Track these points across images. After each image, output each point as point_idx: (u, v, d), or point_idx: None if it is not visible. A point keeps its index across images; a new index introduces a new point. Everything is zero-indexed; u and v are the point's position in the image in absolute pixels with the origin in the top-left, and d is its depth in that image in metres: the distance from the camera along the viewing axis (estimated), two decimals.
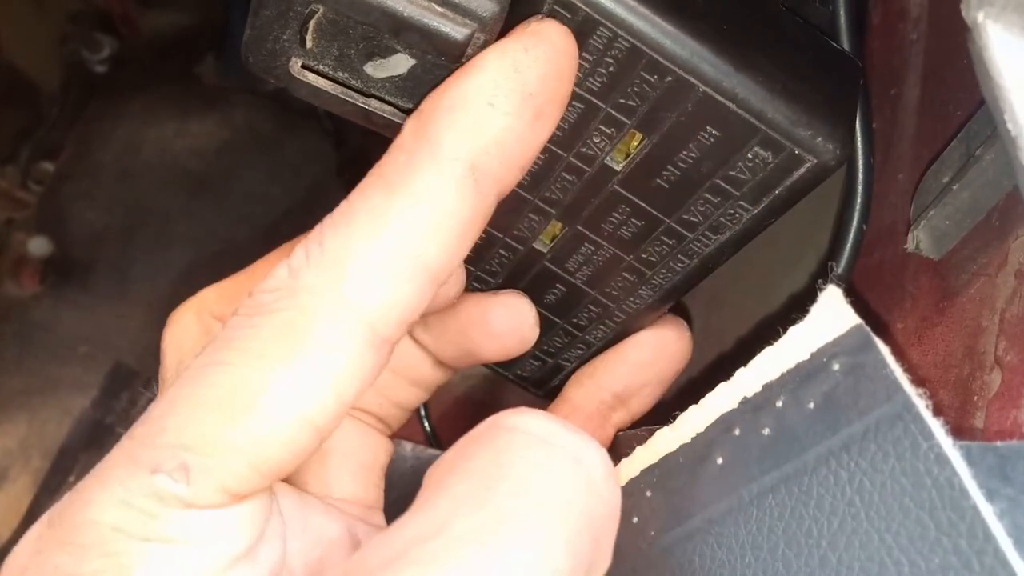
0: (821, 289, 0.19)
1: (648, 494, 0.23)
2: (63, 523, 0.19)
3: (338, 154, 0.68)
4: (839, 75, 0.24)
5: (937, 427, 0.17)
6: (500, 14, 0.21)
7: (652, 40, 0.21)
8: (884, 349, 0.18)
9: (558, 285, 0.28)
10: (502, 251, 0.28)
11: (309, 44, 0.22)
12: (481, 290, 0.29)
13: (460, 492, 0.18)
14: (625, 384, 0.29)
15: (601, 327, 0.29)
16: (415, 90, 0.22)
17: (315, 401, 0.19)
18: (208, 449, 0.19)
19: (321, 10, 0.21)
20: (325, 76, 0.22)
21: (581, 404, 0.30)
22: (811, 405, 0.19)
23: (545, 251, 0.27)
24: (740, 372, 0.21)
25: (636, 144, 0.23)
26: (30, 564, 0.19)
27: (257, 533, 0.21)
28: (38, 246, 0.66)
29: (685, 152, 0.23)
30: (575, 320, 0.29)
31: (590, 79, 0.22)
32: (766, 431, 0.20)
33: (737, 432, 0.21)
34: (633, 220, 0.25)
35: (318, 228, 0.20)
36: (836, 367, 0.19)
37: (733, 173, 0.23)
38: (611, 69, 0.22)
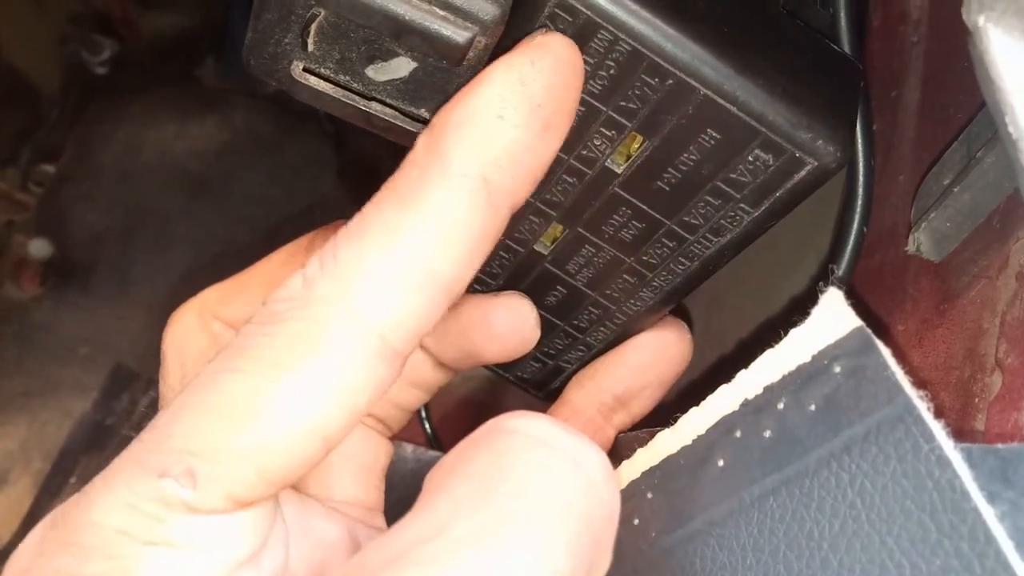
0: (822, 291, 0.19)
1: (649, 496, 0.23)
2: (66, 524, 0.19)
3: (338, 157, 0.68)
4: (840, 78, 0.24)
5: (938, 429, 0.17)
6: (501, 17, 0.21)
7: (653, 43, 0.21)
8: (885, 351, 0.18)
9: (559, 287, 0.28)
10: (503, 253, 0.28)
11: (310, 47, 0.22)
12: (482, 292, 0.29)
13: (460, 494, 0.18)
14: (626, 386, 0.29)
15: (602, 329, 0.29)
16: (416, 93, 0.22)
17: (324, 411, 0.19)
18: (215, 456, 0.19)
19: (322, 13, 0.21)
20: (326, 79, 0.22)
21: (582, 406, 0.30)
22: (812, 407, 0.19)
23: (546, 253, 0.27)
24: (741, 374, 0.21)
25: (637, 147, 0.23)
26: (32, 565, 0.19)
27: (261, 540, 0.21)
28: (38, 248, 0.66)
29: (686, 155, 0.23)
30: (576, 322, 0.29)
31: (591, 82, 0.22)
32: (767, 433, 0.20)
33: (738, 434, 0.21)
34: (634, 222, 0.25)
35: (332, 240, 0.20)
36: (837, 369, 0.19)
37: (734, 176, 0.23)
38: (612, 72, 0.22)
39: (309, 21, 0.21)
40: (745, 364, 0.21)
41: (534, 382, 0.32)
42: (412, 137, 0.23)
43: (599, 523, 0.19)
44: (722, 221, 0.24)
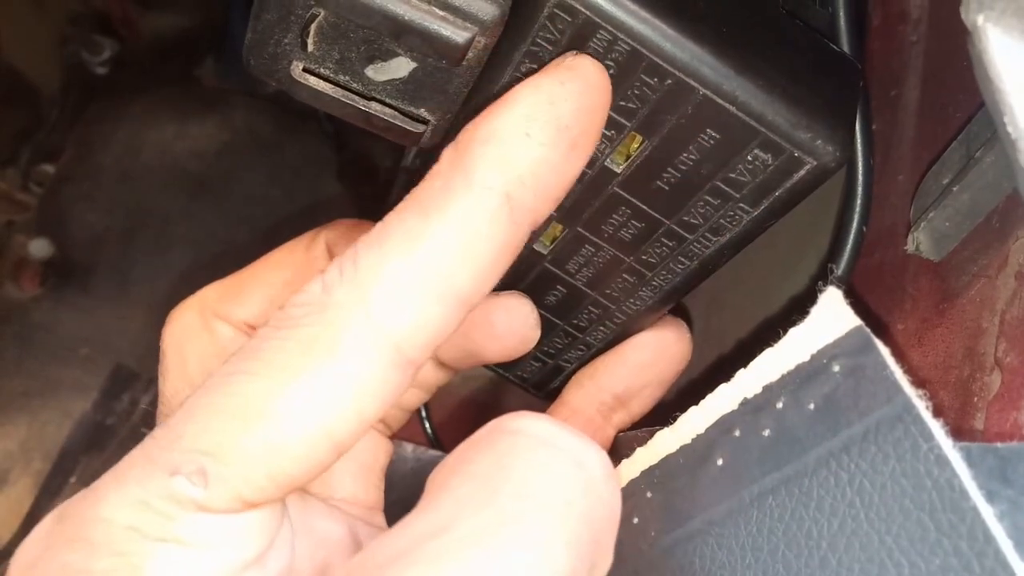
0: (821, 291, 0.19)
1: (649, 495, 0.23)
2: (75, 519, 0.20)
3: (338, 157, 0.68)
4: (839, 78, 0.24)
5: (937, 428, 0.17)
6: (501, 17, 0.21)
7: (652, 43, 0.21)
8: (884, 351, 0.18)
9: (559, 286, 0.28)
10: None
11: (310, 47, 0.22)
12: None
13: (464, 493, 0.19)
14: (625, 385, 0.29)
15: (601, 328, 0.29)
16: (416, 93, 0.22)
17: (336, 416, 0.20)
18: (227, 456, 0.19)
19: (322, 14, 0.21)
20: (326, 79, 0.22)
21: (581, 406, 0.30)
22: (811, 406, 0.19)
23: (546, 253, 0.27)
24: (740, 373, 0.21)
25: (636, 146, 0.23)
26: (40, 559, 0.20)
27: (268, 541, 0.21)
28: (38, 248, 0.66)
29: (685, 154, 0.23)
30: (576, 321, 0.29)
31: None
32: (766, 432, 0.20)
33: (737, 433, 0.21)
34: (633, 222, 0.25)
35: (353, 246, 0.21)
36: (836, 368, 0.19)
37: (733, 175, 0.23)
38: (611, 72, 0.22)
39: (309, 21, 0.21)
40: (744, 363, 0.21)
41: (534, 381, 0.32)
42: (412, 137, 0.23)
43: (600, 523, 0.19)
44: (721, 220, 0.24)
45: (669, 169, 0.24)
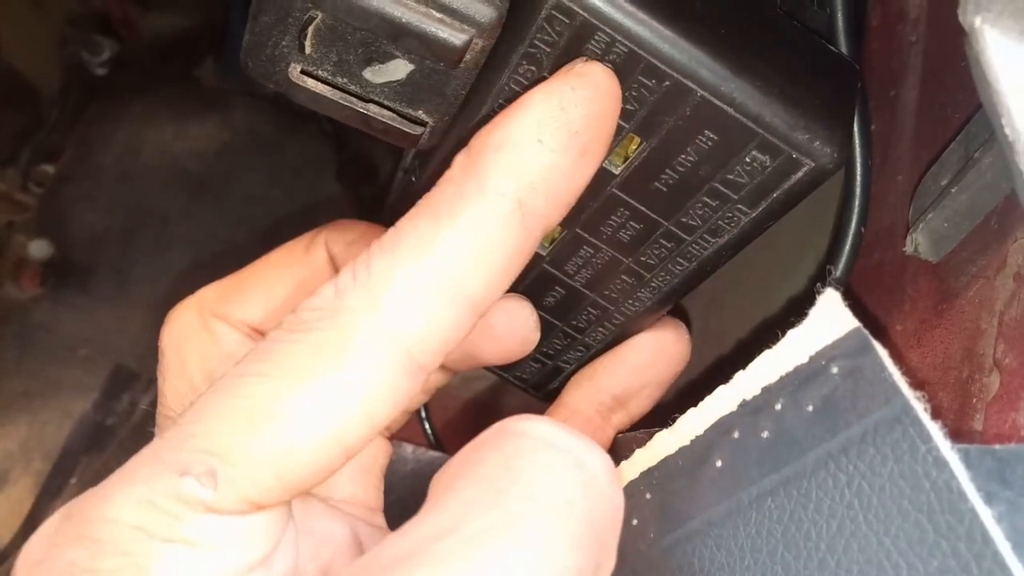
0: (820, 292, 0.19)
1: (647, 496, 0.23)
2: (82, 518, 0.20)
3: (338, 157, 0.68)
4: (837, 79, 0.24)
5: (935, 430, 0.17)
6: (498, 19, 0.21)
7: (649, 45, 0.21)
8: (882, 352, 0.18)
9: (557, 288, 0.28)
10: None
11: (308, 50, 0.22)
12: None
13: (470, 495, 0.19)
14: (624, 386, 0.29)
15: (600, 329, 0.29)
16: (414, 95, 0.22)
17: (345, 421, 0.20)
18: (236, 458, 0.19)
19: (320, 16, 0.21)
20: (324, 81, 0.22)
21: (580, 406, 0.30)
22: (810, 408, 0.19)
23: (544, 254, 0.27)
24: (739, 375, 0.21)
25: (634, 148, 0.23)
26: (46, 557, 0.20)
27: (274, 543, 0.21)
28: (38, 248, 0.66)
29: (683, 156, 0.23)
30: (575, 322, 0.29)
31: None
32: (765, 434, 0.20)
33: (736, 435, 0.21)
34: (632, 223, 0.25)
35: (366, 252, 0.21)
36: (835, 370, 0.19)
37: (731, 177, 0.23)
38: None
39: (306, 24, 0.21)
40: (743, 365, 0.21)
41: (533, 382, 0.32)
42: (410, 139, 0.23)
43: (604, 523, 0.19)
44: (720, 222, 0.24)
45: (667, 170, 0.24)
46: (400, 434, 0.32)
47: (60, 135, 0.72)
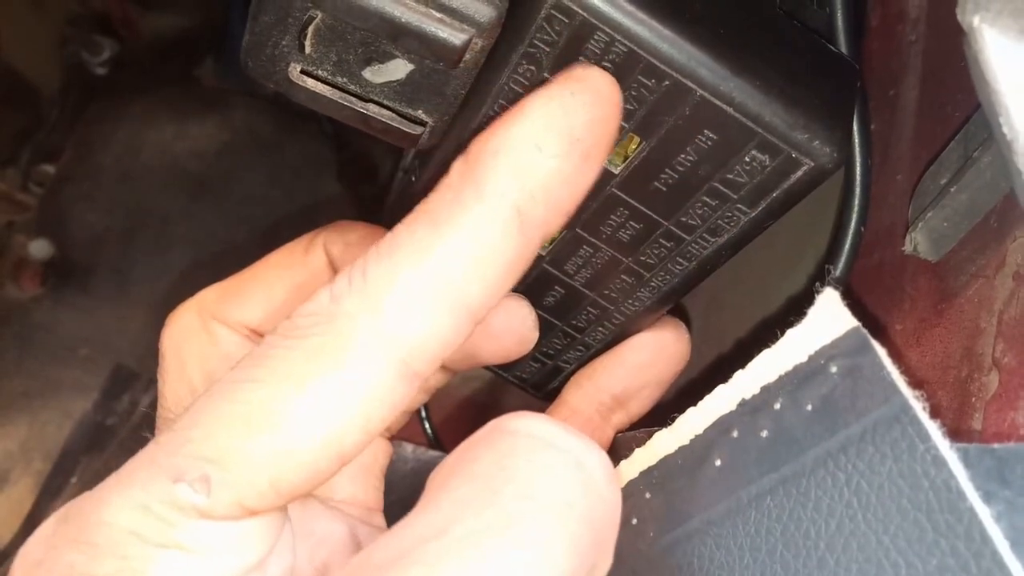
0: (819, 291, 0.19)
1: (647, 496, 0.23)
2: (78, 521, 0.20)
3: (338, 157, 0.68)
4: (836, 78, 0.24)
5: (934, 429, 0.17)
6: (498, 19, 0.21)
7: (649, 44, 0.21)
8: (881, 351, 0.18)
9: (557, 287, 0.28)
10: None
11: (308, 49, 0.22)
12: None
13: (464, 494, 0.19)
14: (624, 386, 0.29)
15: (600, 329, 0.29)
16: (413, 95, 0.22)
17: (341, 427, 0.20)
18: (230, 463, 0.19)
19: (320, 16, 0.21)
20: (324, 81, 0.22)
21: (580, 406, 0.30)
22: (809, 407, 0.19)
23: (544, 253, 0.27)
24: (738, 374, 0.21)
25: (634, 147, 0.23)
26: (45, 558, 0.20)
27: (269, 547, 0.21)
28: (39, 248, 0.66)
29: (683, 155, 0.23)
30: (574, 322, 0.29)
31: None
32: (764, 433, 0.20)
33: (735, 434, 0.21)
34: (631, 223, 0.25)
35: (363, 256, 0.21)
36: (834, 369, 0.19)
37: (731, 176, 0.23)
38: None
39: (306, 23, 0.21)
40: (742, 364, 0.21)
41: (533, 382, 0.32)
42: (409, 139, 0.23)
43: (601, 523, 0.19)
44: (719, 221, 0.24)
45: (667, 170, 0.24)
46: (400, 434, 0.32)
47: (60, 135, 0.72)
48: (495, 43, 0.22)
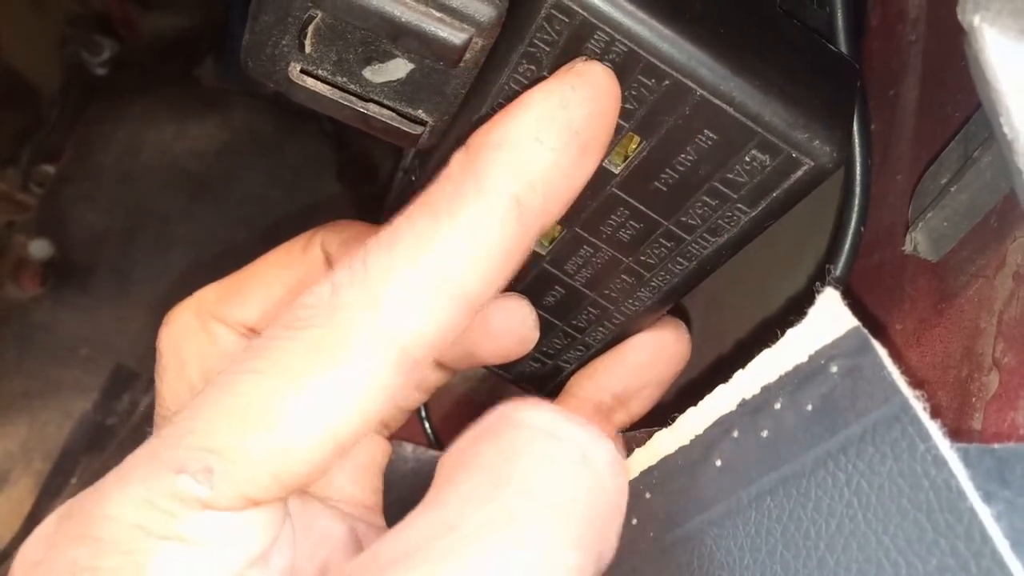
0: (819, 291, 0.19)
1: (647, 496, 0.23)
2: (81, 516, 0.20)
3: (338, 157, 0.68)
4: (836, 78, 0.24)
5: (934, 429, 0.17)
6: (498, 19, 0.21)
7: (649, 44, 0.21)
8: (882, 351, 0.18)
9: (557, 287, 0.28)
10: None
11: (308, 49, 0.22)
12: None
13: (468, 489, 0.19)
14: (624, 386, 0.29)
15: (600, 329, 0.29)
16: (413, 94, 0.22)
17: (340, 418, 0.20)
18: (232, 454, 0.19)
19: (320, 15, 0.21)
20: (324, 81, 0.22)
21: (580, 406, 0.30)
22: (809, 407, 0.19)
23: (544, 253, 0.27)
24: (738, 374, 0.21)
25: (634, 147, 0.23)
26: (47, 556, 0.20)
27: (271, 539, 0.21)
28: (39, 248, 0.66)
29: (683, 155, 0.23)
30: (574, 322, 0.29)
31: None
32: (764, 433, 0.20)
33: (735, 434, 0.21)
34: (631, 223, 0.25)
35: (363, 248, 0.21)
36: (834, 369, 0.19)
37: (731, 176, 0.23)
38: None
39: (306, 23, 0.21)
40: (743, 364, 0.21)
41: (533, 382, 0.32)
42: (409, 138, 0.23)
43: (605, 516, 0.19)
44: (719, 221, 0.24)
45: (667, 170, 0.24)
46: (400, 433, 0.32)
47: (60, 135, 0.72)
48: (495, 42, 0.22)
